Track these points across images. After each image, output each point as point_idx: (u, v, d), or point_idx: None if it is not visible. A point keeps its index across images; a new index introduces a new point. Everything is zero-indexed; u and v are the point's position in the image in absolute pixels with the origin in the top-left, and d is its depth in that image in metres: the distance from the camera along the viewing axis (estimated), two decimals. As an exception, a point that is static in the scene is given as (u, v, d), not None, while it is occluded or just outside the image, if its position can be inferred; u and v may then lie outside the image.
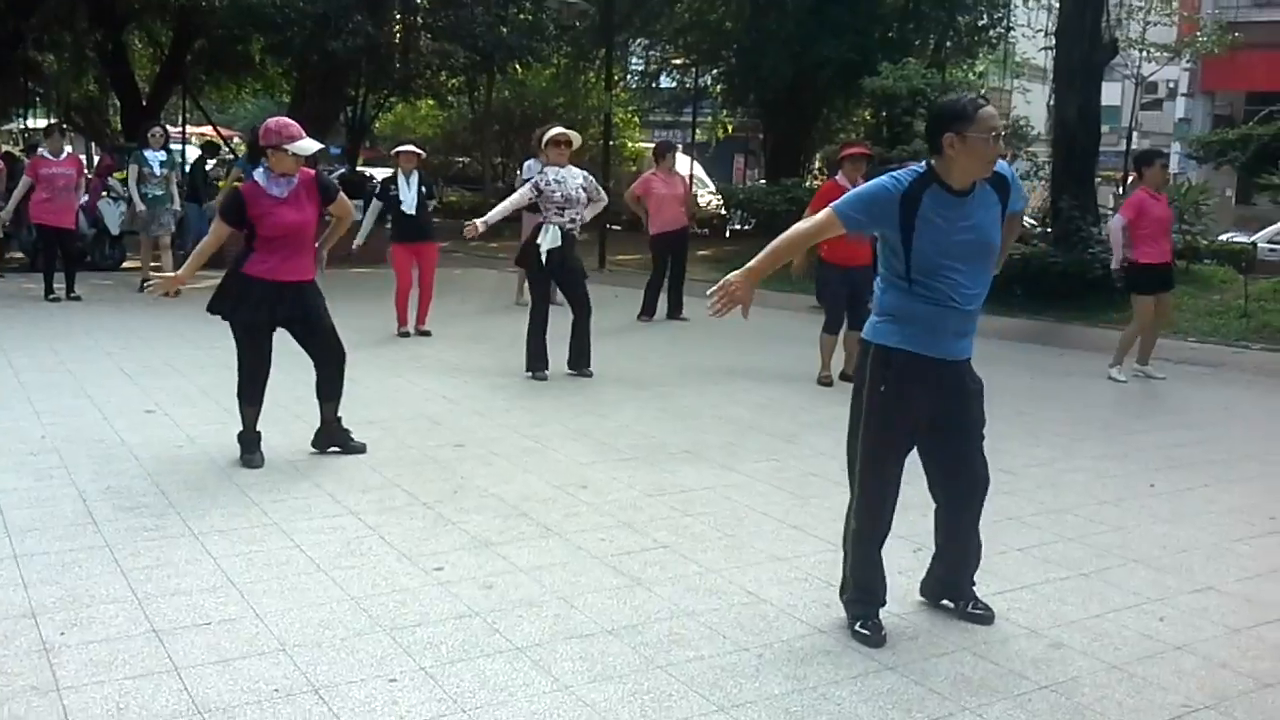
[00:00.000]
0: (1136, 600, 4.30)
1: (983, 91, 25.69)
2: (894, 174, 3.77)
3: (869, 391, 3.81)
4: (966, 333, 3.82)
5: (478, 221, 8.21)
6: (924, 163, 3.78)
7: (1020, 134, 21.12)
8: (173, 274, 6.07)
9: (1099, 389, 8.81)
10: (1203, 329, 12.11)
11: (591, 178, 8.52)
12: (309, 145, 5.60)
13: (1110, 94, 31.92)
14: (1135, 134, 38.13)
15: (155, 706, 3.24)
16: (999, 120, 3.72)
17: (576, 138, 8.50)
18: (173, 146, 14.49)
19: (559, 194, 8.17)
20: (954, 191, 3.69)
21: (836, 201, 3.84)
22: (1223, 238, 17.34)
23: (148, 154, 12.41)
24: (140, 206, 12.37)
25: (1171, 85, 39.42)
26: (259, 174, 5.73)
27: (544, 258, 8.18)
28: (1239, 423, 7.74)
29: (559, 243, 8.18)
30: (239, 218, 5.60)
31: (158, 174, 12.35)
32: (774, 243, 3.89)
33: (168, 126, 14.85)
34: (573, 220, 8.26)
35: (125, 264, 15.00)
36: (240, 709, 3.25)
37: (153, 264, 12.51)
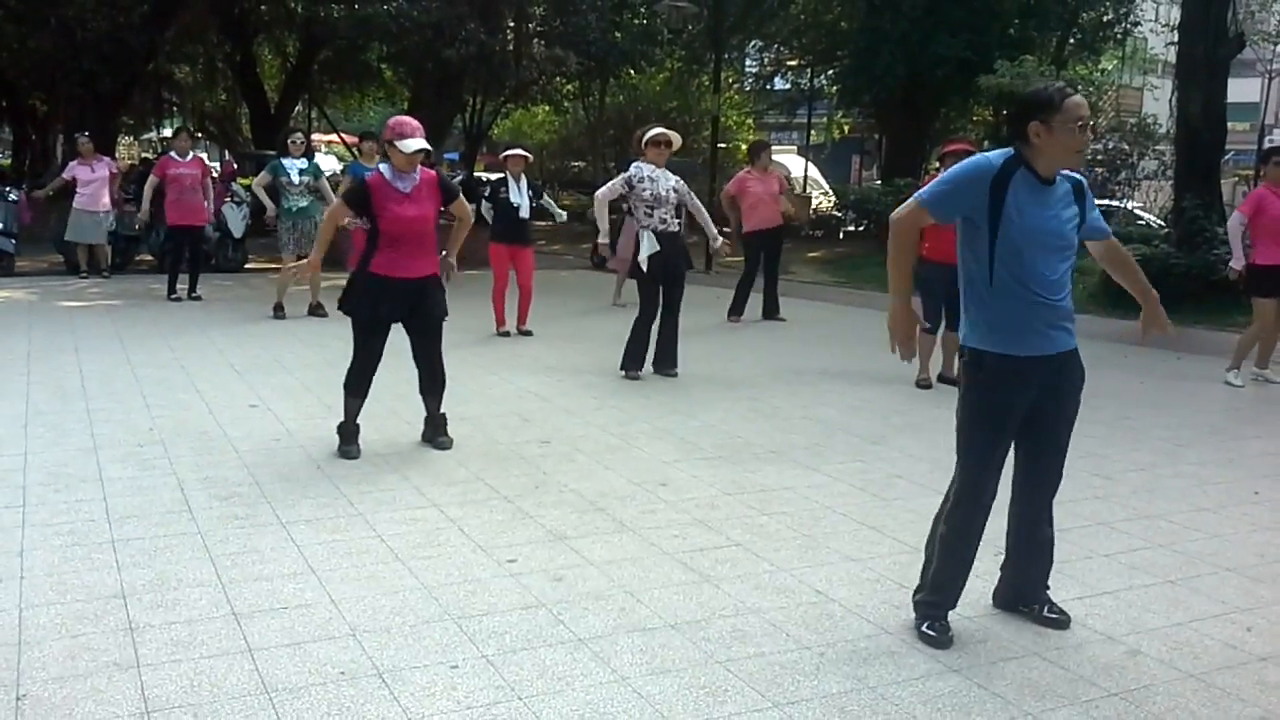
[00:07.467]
0: (1224, 609, 4.14)
1: (1110, 89, 24.97)
2: (986, 154, 3.72)
3: (962, 394, 3.81)
4: (1060, 325, 3.72)
5: (604, 248, 8.31)
6: (1010, 149, 3.70)
7: (1147, 132, 20.48)
8: (304, 261, 6.41)
9: (1212, 394, 8.46)
10: (1335, 333, 11.53)
11: (684, 184, 8.47)
12: (412, 144, 5.80)
13: (1249, 90, 30.68)
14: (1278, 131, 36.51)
15: (227, 685, 3.37)
16: (1086, 109, 3.64)
17: (676, 138, 8.44)
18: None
19: (648, 192, 8.16)
20: (1040, 179, 3.64)
21: (920, 190, 3.80)
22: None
23: (286, 162, 11.18)
24: (273, 217, 11.29)
25: (1317, 80, 37.62)
26: (384, 168, 5.96)
27: (644, 265, 8.19)
28: (1362, 430, 7.34)
29: (657, 248, 8.19)
30: (363, 205, 5.87)
31: (297, 183, 11.09)
32: (890, 260, 3.87)
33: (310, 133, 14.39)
34: (663, 220, 8.23)
35: (247, 266, 15.62)
36: (306, 689, 3.36)
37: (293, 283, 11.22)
